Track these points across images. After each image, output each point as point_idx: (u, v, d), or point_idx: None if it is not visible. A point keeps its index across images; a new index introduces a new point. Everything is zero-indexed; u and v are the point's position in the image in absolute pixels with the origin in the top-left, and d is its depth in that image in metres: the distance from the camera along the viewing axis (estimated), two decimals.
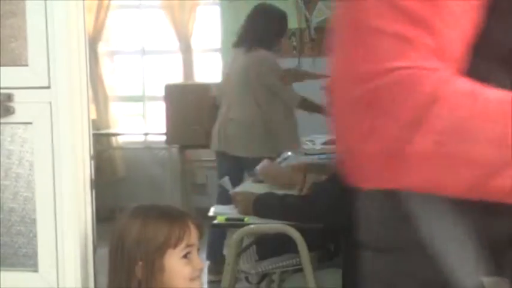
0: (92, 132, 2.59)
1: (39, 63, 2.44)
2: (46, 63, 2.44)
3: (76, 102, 2.51)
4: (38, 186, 2.46)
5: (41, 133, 2.45)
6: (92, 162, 2.58)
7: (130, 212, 2.15)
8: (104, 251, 6.25)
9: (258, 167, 3.85)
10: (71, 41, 2.48)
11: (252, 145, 4.80)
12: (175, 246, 2.08)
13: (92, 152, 2.58)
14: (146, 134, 7.29)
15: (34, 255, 2.47)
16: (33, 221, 2.47)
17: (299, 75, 5.05)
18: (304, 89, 4.88)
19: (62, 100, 2.45)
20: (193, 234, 2.12)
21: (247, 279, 3.75)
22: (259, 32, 4.84)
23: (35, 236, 2.45)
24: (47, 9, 2.43)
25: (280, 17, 4.97)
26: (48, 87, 2.45)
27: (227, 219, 3.26)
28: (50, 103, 2.45)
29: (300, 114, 4.99)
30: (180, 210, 2.21)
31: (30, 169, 2.46)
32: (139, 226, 2.08)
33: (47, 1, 2.42)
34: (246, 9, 5.16)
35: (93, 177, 2.58)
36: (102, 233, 5.64)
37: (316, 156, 4.34)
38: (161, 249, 2.07)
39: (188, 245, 2.10)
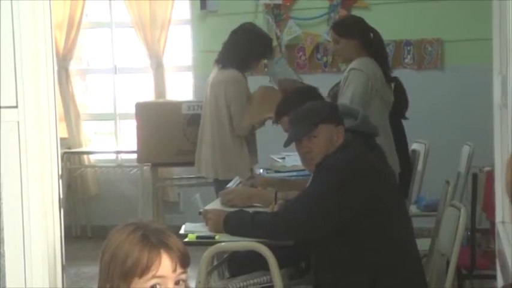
0: (60, 151, 2.59)
1: (7, 83, 2.43)
2: (14, 83, 2.44)
3: (44, 122, 2.50)
4: (5, 205, 2.45)
5: (8, 153, 2.44)
6: (60, 181, 2.57)
7: (121, 226, 2.00)
8: (75, 270, 6.11)
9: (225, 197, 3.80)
10: (38, 60, 2.48)
11: (216, 167, 4.78)
12: (141, 275, 1.93)
13: (60, 171, 2.57)
14: (118, 153, 7.27)
15: (2, 275, 2.45)
16: (1, 241, 2.45)
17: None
18: None
19: (29, 119, 2.45)
20: (164, 266, 1.94)
21: None
22: (239, 53, 4.72)
23: (2, 256, 2.44)
24: (14, 28, 2.42)
25: (266, 43, 4.86)
26: (16, 107, 2.44)
27: (198, 237, 3.26)
28: (18, 122, 2.44)
29: (271, 132, 5.00)
30: (162, 237, 1.97)
31: None
32: (117, 244, 1.95)
33: (14, 19, 2.42)
34: (216, 28, 5.17)
35: (61, 196, 2.57)
36: (74, 251, 5.63)
37: (286, 174, 4.35)
38: (127, 276, 1.93)
39: (156, 277, 1.93)
